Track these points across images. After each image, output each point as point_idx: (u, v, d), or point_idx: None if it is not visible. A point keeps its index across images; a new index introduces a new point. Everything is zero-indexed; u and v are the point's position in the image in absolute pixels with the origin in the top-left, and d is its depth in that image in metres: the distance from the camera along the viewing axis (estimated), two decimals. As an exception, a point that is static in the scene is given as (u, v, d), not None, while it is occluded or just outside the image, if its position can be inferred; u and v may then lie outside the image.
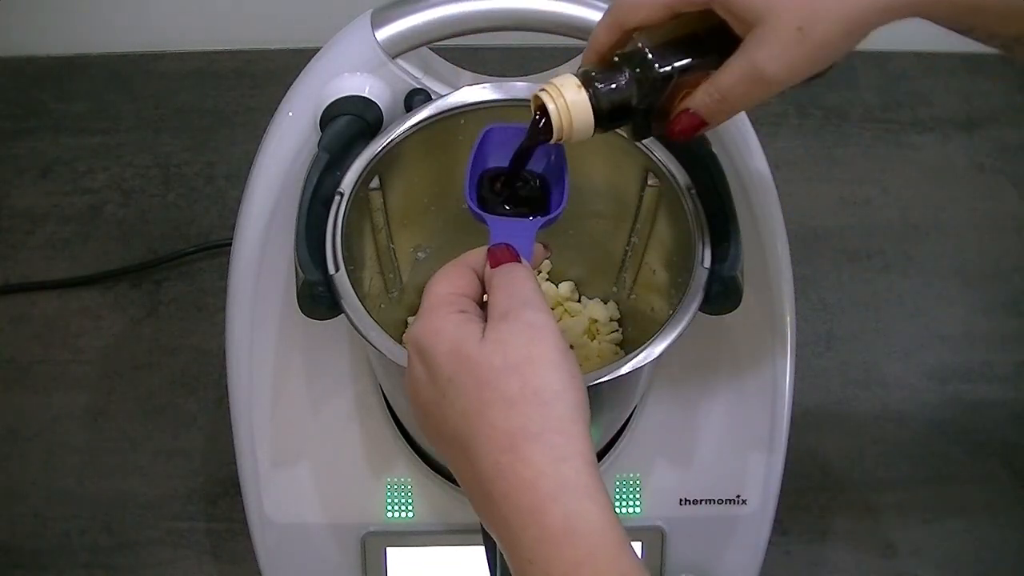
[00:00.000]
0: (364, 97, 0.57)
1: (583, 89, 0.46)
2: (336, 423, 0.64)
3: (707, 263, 0.52)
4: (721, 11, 0.45)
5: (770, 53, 0.44)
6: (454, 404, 0.42)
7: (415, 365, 0.44)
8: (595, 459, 0.41)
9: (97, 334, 0.89)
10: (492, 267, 0.45)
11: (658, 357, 0.50)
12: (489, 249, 0.46)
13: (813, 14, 0.43)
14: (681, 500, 0.66)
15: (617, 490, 0.66)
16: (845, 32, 0.44)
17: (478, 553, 0.57)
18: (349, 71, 0.58)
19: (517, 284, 0.44)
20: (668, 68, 0.47)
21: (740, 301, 0.51)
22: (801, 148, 1.02)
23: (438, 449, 0.44)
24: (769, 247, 0.61)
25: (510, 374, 0.41)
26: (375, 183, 0.56)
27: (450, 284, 0.45)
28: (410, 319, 0.65)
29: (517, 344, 0.42)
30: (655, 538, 0.66)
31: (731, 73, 0.45)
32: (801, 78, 0.46)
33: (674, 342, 0.50)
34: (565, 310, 0.66)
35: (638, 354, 0.50)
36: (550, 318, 0.43)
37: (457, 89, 0.57)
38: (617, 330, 0.66)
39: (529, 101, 0.48)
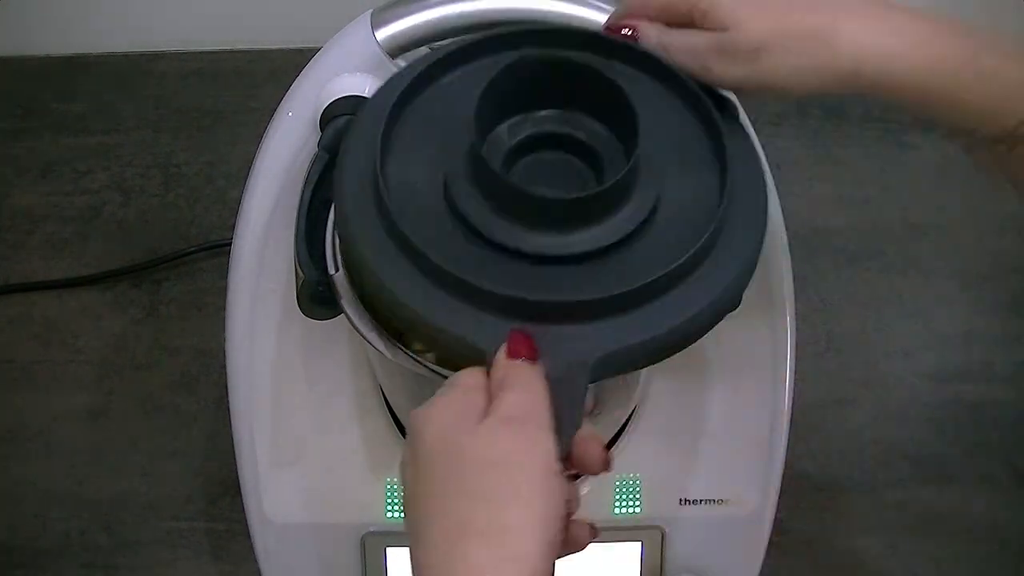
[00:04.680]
0: (364, 97, 0.57)
1: None
2: (336, 423, 0.64)
3: (707, 263, 0.52)
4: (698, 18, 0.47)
5: (721, 56, 0.47)
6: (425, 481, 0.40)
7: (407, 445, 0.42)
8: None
9: (97, 334, 0.89)
10: (509, 357, 0.42)
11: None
12: (511, 334, 0.42)
13: (770, 46, 0.46)
14: (681, 500, 0.66)
15: (617, 490, 0.66)
16: (788, 76, 0.47)
17: (478, 553, 0.57)
18: (349, 71, 0.58)
19: (532, 390, 0.42)
20: None
21: (740, 301, 0.51)
22: (801, 148, 1.02)
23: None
24: (769, 247, 0.61)
25: (487, 472, 0.40)
26: (375, 183, 0.56)
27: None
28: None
29: (507, 450, 0.40)
30: (655, 538, 0.66)
31: (688, 43, 0.48)
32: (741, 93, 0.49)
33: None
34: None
35: (638, 354, 0.50)
36: (549, 438, 0.41)
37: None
38: (617, 330, 0.66)
39: None
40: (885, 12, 0.46)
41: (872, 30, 0.45)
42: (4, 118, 1.03)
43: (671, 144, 0.48)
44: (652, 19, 0.49)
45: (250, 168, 0.60)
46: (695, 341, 0.46)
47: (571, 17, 0.56)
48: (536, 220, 0.44)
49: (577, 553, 0.45)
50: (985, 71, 0.45)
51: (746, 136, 0.51)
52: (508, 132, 0.47)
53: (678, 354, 0.48)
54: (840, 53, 0.45)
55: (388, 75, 0.58)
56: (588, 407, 0.50)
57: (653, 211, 0.46)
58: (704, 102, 0.48)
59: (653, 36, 0.49)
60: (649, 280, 0.43)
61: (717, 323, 0.46)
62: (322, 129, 0.57)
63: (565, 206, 0.44)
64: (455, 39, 0.54)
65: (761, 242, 0.47)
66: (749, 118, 0.59)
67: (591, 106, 0.48)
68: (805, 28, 0.46)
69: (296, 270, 0.51)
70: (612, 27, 0.51)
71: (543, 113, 0.48)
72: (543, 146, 0.48)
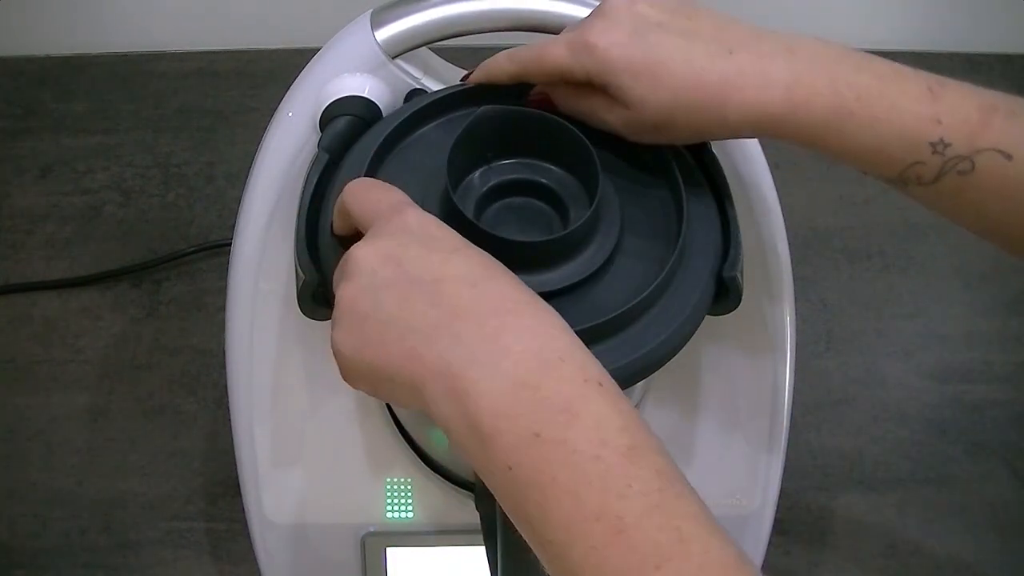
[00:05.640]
0: (364, 97, 0.57)
1: None
2: (336, 423, 0.64)
3: (707, 263, 0.52)
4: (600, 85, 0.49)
5: (628, 128, 0.49)
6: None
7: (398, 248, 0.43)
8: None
9: (97, 334, 0.89)
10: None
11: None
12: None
13: (671, 120, 0.48)
14: (681, 500, 0.66)
15: (617, 490, 0.66)
16: (691, 138, 0.51)
17: (478, 553, 0.57)
18: (349, 71, 0.58)
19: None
20: None
21: (740, 301, 0.51)
22: (801, 148, 1.02)
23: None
24: (769, 247, 0.61)
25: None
26: (375, 183, 0.56)
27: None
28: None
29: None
30: (655, 538, 0.66)
31: (595, 110, 0.50)
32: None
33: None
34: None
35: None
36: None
37: (456, 89, 0.57)
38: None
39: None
40: (772, 75, 0.47)
41: (756, 97, 0.47)
42: (4, 118, 1.03)
43: (631, 182, 0.51)
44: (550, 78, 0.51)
45: (250, 168, 0.60)
46: (645, 378, 0.48)
47: (571, 17, 0.56)
48: (502, 261, 0.47)
49: None
50: (866, 120, 0.47)
51: (711, 163, 0.53)
52: (480, 178, 0.50)
53: (678, 354, 0.48)
54: (732, 120, 0.48)
55: (388, 76, 0.58)
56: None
57: (611, 255, 0.48)
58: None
59: (568, 104, 0.51)
60: (594, 324, 0.45)
61: (665, 363, 0.48)
62: (322, 129, 0.57)
63: (526, 248, 0.47)
64: (438, 90, 0.56)
65: (713, 288, 0.50)
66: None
67: (557, 154, 0.50)
68: (696, 103, 0.47)
69: (296, 270, 0.51)
70: (531, 99, 0.53)
71: (514, 161, 0.51)
72: (513, 191, 0.50)
